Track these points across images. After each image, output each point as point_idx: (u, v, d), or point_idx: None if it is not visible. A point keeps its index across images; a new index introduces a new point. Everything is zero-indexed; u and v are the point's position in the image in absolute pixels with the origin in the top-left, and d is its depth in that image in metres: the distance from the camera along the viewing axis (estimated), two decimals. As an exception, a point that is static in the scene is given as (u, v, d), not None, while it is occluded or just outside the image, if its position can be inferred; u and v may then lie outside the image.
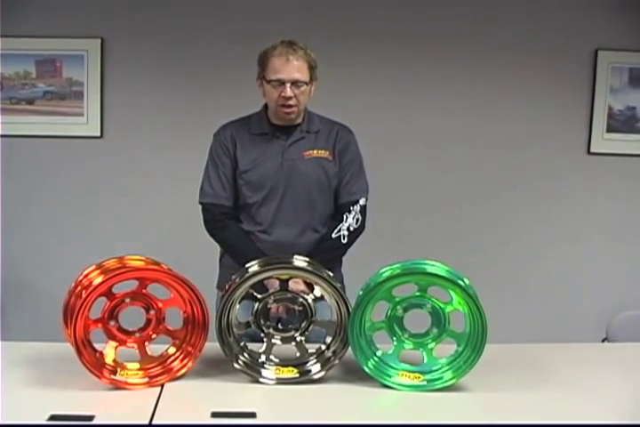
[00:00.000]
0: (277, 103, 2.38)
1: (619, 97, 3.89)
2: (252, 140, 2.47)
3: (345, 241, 2.44)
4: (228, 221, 2.46)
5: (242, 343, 1.99)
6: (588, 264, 3.95)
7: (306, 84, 2.36)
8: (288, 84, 2.33)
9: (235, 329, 1.98)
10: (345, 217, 2.45)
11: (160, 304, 1.95)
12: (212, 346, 1.96)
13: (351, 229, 2.45)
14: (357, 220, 2.46)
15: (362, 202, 2.49)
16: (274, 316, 2.18)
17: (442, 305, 1.97)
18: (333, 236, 2.44)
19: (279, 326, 2.03)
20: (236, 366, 1.96)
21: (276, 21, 3.61)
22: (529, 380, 2.00)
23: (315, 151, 2.46)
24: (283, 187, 2.43)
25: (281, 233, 2.44)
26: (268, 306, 2.01)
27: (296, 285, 2.08)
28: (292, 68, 2.33)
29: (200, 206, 2.51)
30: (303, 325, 2.01)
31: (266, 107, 2.49)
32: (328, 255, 2.42)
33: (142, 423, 1.62)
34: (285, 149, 2.45)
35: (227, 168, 2.47)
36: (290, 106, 2.37)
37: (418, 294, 1.96)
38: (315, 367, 1.98)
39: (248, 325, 2.00)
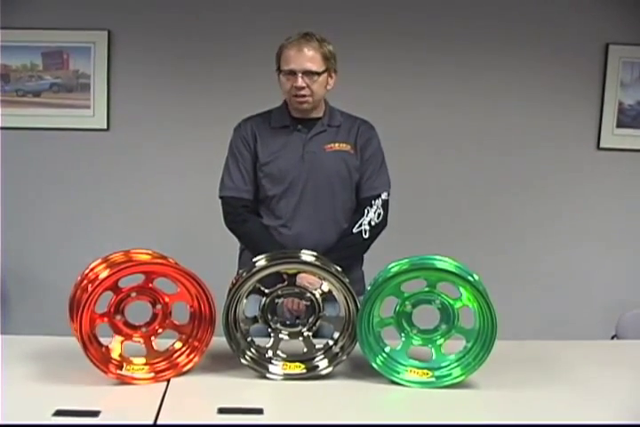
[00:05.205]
0: (290, 93, 2.36)
1: (629, 92, 3.86)
2: (272, 133, 2.44)
3: (366, 236, 2.40)
4: (248, 215, 2.43)
5: (249, 339, 1.97)
6: (598, 260, 3.92)
7: (318, 74, 2.34)
8: (299, 74, 2.32)
9: (242, 324, 1.96)
10: (366, 211, 2.42)
11: (167, 299, 1.94)
12: (218, 341, 1.95)
13: (372, 223, 2.40)
14: (379, 214, 2.42)
15: (384, 196, 2.45)
16: (294, 313, 2.20)
17: (451, 301, 1.95)
18: (354, 231, 2.40)
19: (297, 320, 2.03)
20: (242, 361, 1.94)
21: (289, 16, 3.57)
22: (538, 377, 1.98)
23: (336, 144, 2.43)
24: (303, 180, 2.40)
25: (302, 227, 2.41)
26: (284, 303, 1.99)
27: (305, 278, 2.06)
28: (304, 58, 2.32)
29: (220, 200, 2.47)
30: (311, 320, 2.00)
31: (286, 101, 2.46)
32: (349, 251, 2.40)
33: (148, 422, 1.60)
34: (306, 141, 2.42)
35: (247, 161, 2.44)
36: (303, 95, 2.35)
37: (427, 289, 1.95)
38: (322, 363, 1.97)
39: (255, 320, 1.98)
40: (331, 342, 2.00)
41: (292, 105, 2.41)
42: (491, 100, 3.84)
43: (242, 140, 2.45)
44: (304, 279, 2.05)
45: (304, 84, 2.33)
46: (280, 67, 2.37)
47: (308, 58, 2.32)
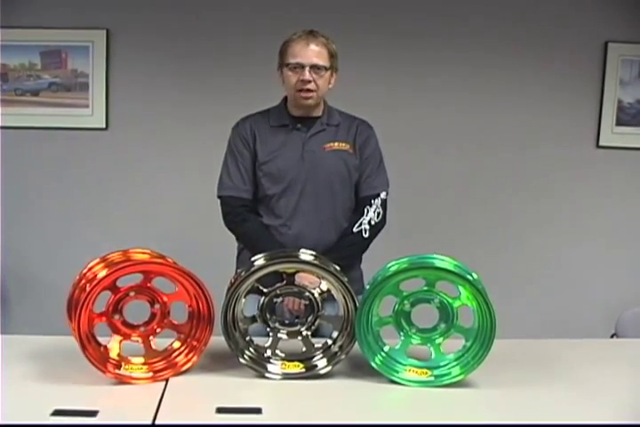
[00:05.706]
0: (296, 88, 2.35)
1: (628, 90, 3.86)
2: (271, 132, 2.44)
3: (366, 235, 2.40)
4: (247, 214, 2.42)
5: (247, 338, 1.97)
6: (598, 259, 3.92)
7: (325, 69, 2.34)
8: (307, 68, 2.32)
9: (240, 323, 1.96)
10: (366, 211, 2.42)
11: (165, 298, 1.93)
12: (217, 340, 1.94)
13: (372, 222, 2.41)
14: (378, 213, 2.43)
15: (383, 196, 2.46)
16: (294, 313, 2.20)
17: (450, 300, 1.94)
18: (354, 230, 2.40)
19: (296, 320, 2.03)
20: (241, 360, 1.94)
21: (289, 16, 3.57)
22: (538, 376, 1.98)
23: (335, 144, 2.43)
24: (303, 179, 2.40)
25: (301, 227, 2.41)
26: (285, 303, 1.99)
27: (303, 278, 2.05)
28: (312, 52, 2.33)
29: (219, 200, 2.46)
30: (310, 319, 1.99)
31: (285, 100, 2.47)
32: (349, 250, 2.40)
33: (146, 422, 1.60)
34: (306, 140, 2.42)
35: (246, 160, 2.43)
36: (308, 90, 2.34)
37: (425, 288, 1.94)
38: (321, 362, 1.96)
39: (254, 319, 1.98)
40: (329, 342, 1.99)
41: (297, 100, 2.40)
42: (490, 98, 3.83)
43: (241, 139, 2.44)
44: (303, 279, 2.04)
45: (311, 78, 2.32)
46: (285, 61, 2.36)
47: (316, 53, 2.33)
